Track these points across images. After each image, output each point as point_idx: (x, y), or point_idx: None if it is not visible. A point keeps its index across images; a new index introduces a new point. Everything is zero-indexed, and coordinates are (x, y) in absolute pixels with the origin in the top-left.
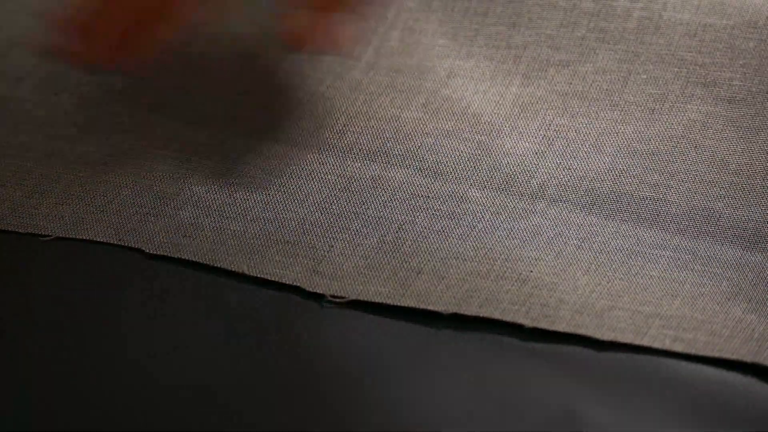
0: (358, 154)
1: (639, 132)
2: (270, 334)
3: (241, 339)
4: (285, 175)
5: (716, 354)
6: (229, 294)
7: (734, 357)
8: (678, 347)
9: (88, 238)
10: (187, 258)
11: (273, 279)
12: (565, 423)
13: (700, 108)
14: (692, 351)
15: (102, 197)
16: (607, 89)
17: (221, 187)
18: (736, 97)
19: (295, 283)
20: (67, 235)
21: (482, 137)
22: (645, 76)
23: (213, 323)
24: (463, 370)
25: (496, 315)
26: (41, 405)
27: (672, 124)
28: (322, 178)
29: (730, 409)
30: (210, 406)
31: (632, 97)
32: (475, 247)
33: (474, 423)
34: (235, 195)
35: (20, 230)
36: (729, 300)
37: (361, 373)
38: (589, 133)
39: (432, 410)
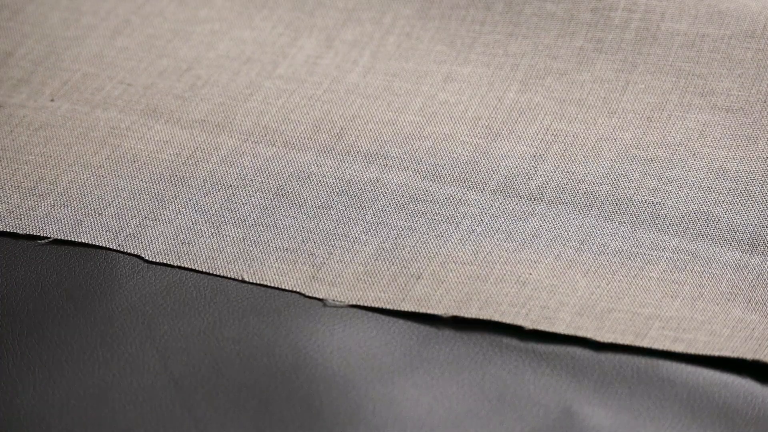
0: (356, 156)
1: (637, 139)
2: (269, 333)
3: (238, 337)
4: (283, 178)
5: (716, 353)
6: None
7: (734, 355)
8: (678, 347)
9: (86, 242)
10: (186, 266)
11: (273, 285)
12: (564, 423)
13: (698, 117)
14: (692, 351)
15: (100, 200)
16: (604, 97)
17: (219, 190)
18: (733, 106)
19: (294, 289)
20: (65, 238)
21: (480, 140)
22: (643, 86)
23: (214, 323)
24: (463, 370)
25: (496, 317)
26: (35, 408)
27: (670, 132)
28: (320, 180)
29: (729, 410)
30: (206, 405)
31: (630, 106)
32: (474, 251)
33: (474, 423)
34: (233, 198)
35: (18, 231)
36: (729, 301)
37: (361, 372)
38: (587, 138)
39: (432, 410)
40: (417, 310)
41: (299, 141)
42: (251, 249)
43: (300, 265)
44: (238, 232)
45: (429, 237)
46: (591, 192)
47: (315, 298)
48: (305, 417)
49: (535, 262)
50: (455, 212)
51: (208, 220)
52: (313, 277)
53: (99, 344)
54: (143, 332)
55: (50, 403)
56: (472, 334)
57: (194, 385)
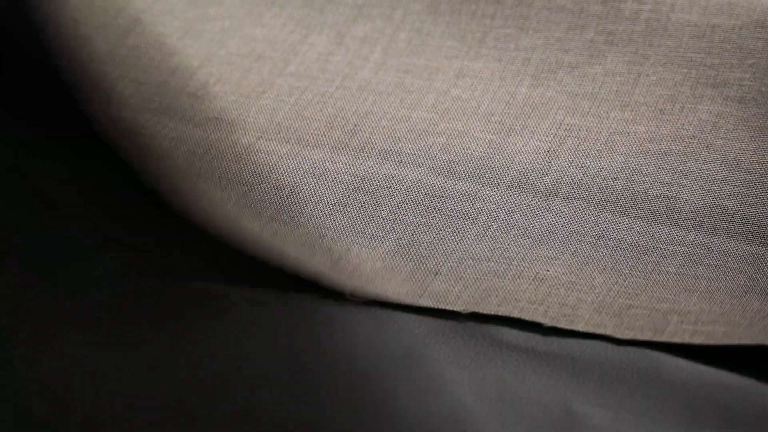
0: (370, 153)
1: (650, 132)
2: (269, 333)
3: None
4: (298, 175)
5: (735, 342)
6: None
7: (754, 342)
8: (697, 340)
9: None
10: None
11: (291, 272)
12: (564, 423)
13: (710, 108)
14: (712, 342)
15: None
16: (616, 91)
17: (234, 186)
18: (746, 96)
19: (313, 278)
20: None
21: (493, 136)
22: (654, 78)
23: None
24: (463, 370)
25: (515, 314)
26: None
27: (683, 124)
28: (334, 177)
29: (729, 410)
30: (207, 406)
31: (642, 98)
32: (491, 247)
33: (474, 423)
34: (248, 196)
35: None
36: (746, 294)
37: (360, 372)
38: (601, 133)
39: (431, 410)
40: (436, 306)
41: (313, 138)
42: (269, 239)
43: (318, 257)
44: (255, 226)
45: (446, 233)
46: (606, 187)
47: (332, 291)
48: (305, 417)
49: (552, 259)
50: (471, 208)
51: (223, 214)
52: (332, 269)
53: (102, 346)
54: (145, 333)
55: (50, 405)
56: (472, 333)
57: (195, 386)
